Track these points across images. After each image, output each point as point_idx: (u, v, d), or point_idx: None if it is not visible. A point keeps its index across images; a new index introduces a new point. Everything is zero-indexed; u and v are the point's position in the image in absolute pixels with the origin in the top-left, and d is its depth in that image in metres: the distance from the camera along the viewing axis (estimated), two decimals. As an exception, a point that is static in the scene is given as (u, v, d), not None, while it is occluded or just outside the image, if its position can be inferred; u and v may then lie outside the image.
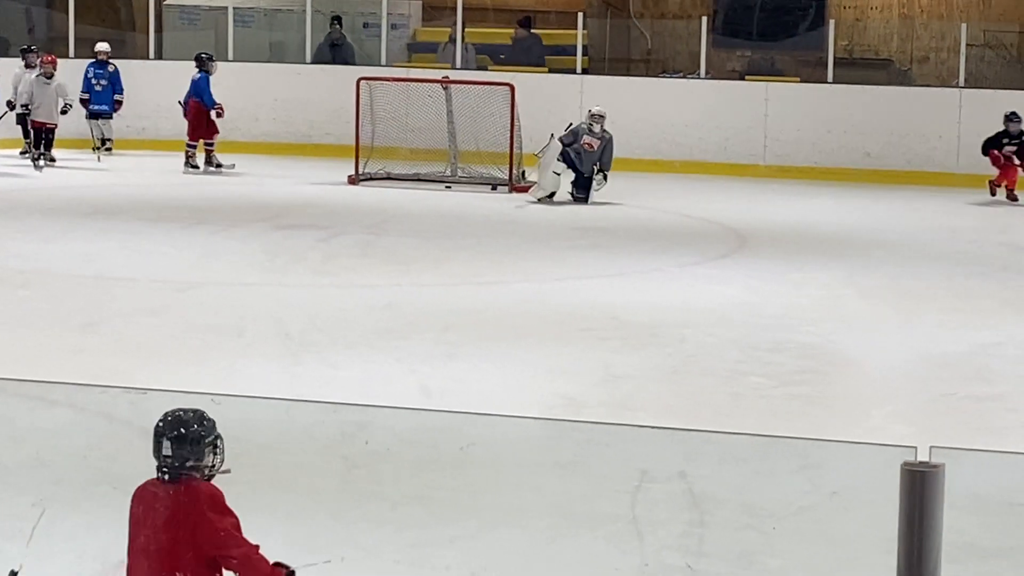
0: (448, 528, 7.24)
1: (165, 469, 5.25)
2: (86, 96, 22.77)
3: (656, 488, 7.61)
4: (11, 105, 21.73)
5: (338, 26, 25.13)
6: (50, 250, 15.69)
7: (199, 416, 5.32)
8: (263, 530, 6.45)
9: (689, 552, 7.12)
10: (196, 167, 21.89)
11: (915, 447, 3.32)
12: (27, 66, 21.83)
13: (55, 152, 21.76)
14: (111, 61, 23.08)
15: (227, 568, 5.25)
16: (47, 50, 22.83)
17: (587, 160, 19.41)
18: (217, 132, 21.98)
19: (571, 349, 11.92)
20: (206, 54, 22.46)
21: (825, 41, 23.49)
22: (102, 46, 23.22)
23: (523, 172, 20.44)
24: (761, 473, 7.80)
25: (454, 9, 24.25)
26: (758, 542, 7.44)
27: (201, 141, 22.04)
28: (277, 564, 5.24)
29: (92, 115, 22.81)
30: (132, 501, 5.35)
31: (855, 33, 25.58)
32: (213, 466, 5.29)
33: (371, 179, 20.97)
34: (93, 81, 22.93)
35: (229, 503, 5.18)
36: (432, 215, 18.60)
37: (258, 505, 7.46)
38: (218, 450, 5.30)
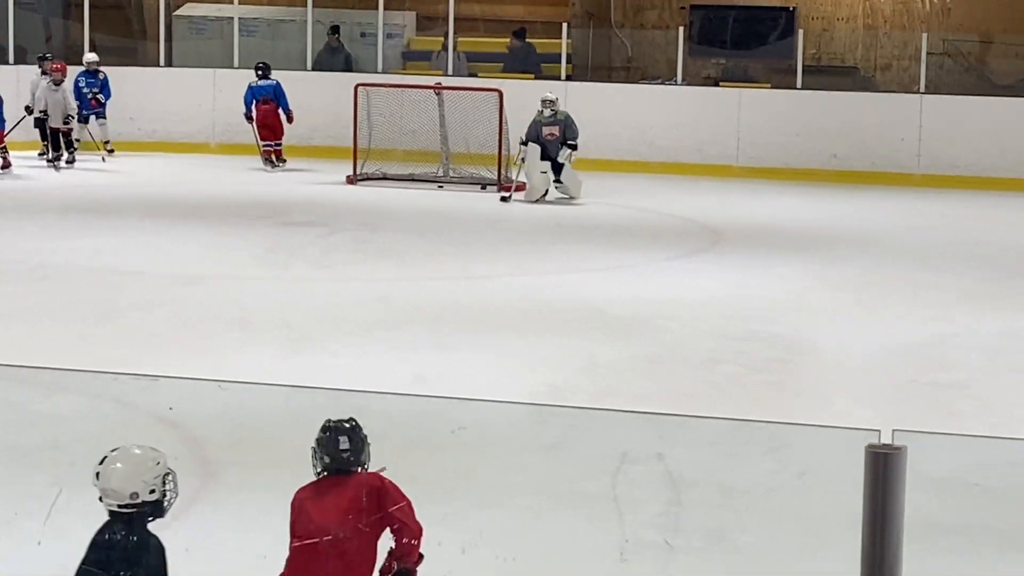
0: (440, 506, 7.23)
1: (338, 464, 5.58)
2: (77, 103, 22.67)
3: (635, 469, 7.61)
4: (28, 110, 21.75)
5: (336, 35, 25.12)
6: (66, 246, 15.67)
7: (356, 423, 5.69)
8: (266, 507, 6.45)
9: (666, 529, 7.12)
10: (276, 165, 22.20)
11: (879, 430, 3.32)
12: (43, 73, 21.84)
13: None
14: (100, 69, 22.99)
15: (393, 531, 5.60)
16: (64, 58, 22.78)
17: (554, 148, 19.39)
18: (283, 134, 22.35)
19: (555, 339, 11.92)
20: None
21: (794, 50, 23.50)
22: (91, 56, 23.13)
23: (508, 175, 20.40)
24: (734, 455, 7.80)
25: (446, 20, 24.25)
26: (731, 520, 7.44)
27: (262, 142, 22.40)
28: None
29: (83, 120, 22.69)
30: (296, 504, 5.56)
31: (822, 42, 25.57)
32: (365, 465, 5.64)
33: (368, 179, 20.95)
34: (84, 89, 22.77)
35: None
36: (425, 213, 18.58)
37: (261, 484, 7.45)
38: (368, 451, 5.67)
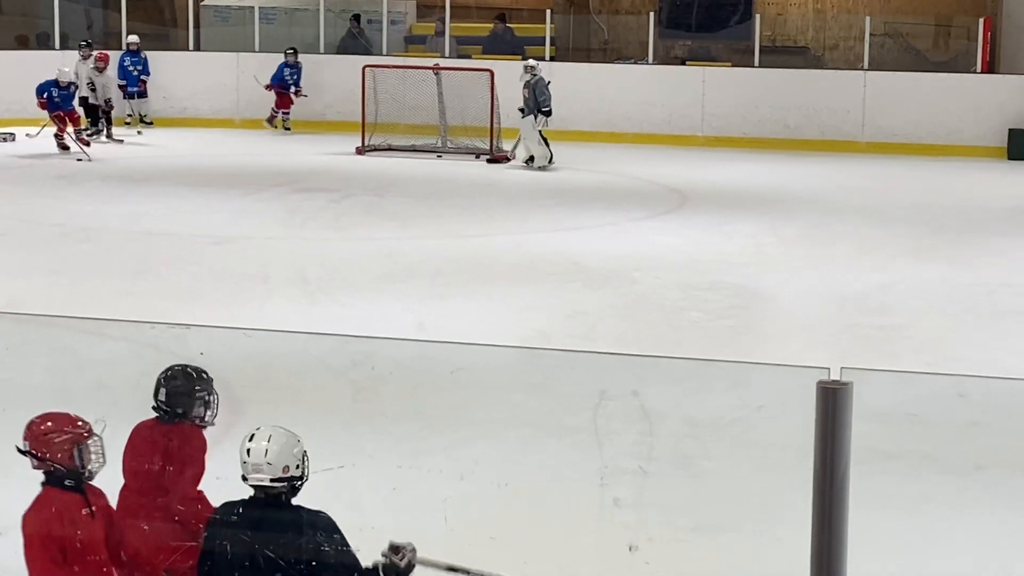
0: (440, 438, 7.23)
1: (163, 409, 5.16)
2: (123, 83, 22.84)
3: (612, 404, 7.60)
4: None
5: (356, 22, 25.11)
6: (107, 211, 15.62)
7: (188, 374, 5.19)
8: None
9: (640, 457, 7.13)
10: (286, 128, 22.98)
11: (828, 368, 3.31)
12: (84, 58, 21.75)
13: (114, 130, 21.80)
14: (141, 49, 23.15)
15: None
16: (103, 44, 22.78)
17: (527, 106, 19.40)
18: (292, 103, 23.02)
19: (541, 290, 11.91)
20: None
21: (752, 32, 23.42)
22: (133, 38, 23.24)
23: (499, 145, 20.44)
24: (699, 391, 7.80)
25: (443, 7, 24.14)
26: (697, 448, 7.45)
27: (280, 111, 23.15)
28: None
29: (129, 96, 22.93)
30: (129, 439, 5.21)
31: (777, 25, 25.50)
32: (193, 419, 5.16)
33: (375, 150, 20.90)
34: (130, 68, 22.95)
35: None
36: (426, 180, 18.55)
37: (281, 421, 7.44)
38: (201, 407, 5.17)
